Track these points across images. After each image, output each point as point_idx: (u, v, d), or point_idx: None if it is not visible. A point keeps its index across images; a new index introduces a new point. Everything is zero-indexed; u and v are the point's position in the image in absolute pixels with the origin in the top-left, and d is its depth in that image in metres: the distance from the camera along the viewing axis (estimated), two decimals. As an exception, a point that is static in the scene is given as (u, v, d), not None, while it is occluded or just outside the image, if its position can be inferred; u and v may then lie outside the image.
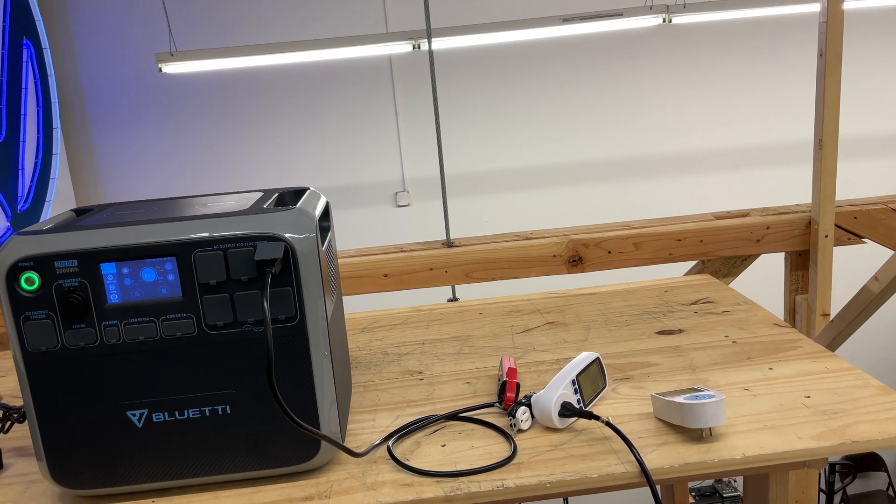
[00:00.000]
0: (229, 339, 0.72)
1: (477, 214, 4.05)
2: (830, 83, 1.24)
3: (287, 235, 0.71)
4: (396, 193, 4.06)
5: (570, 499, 4.17)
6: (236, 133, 3.88)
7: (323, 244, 0.78)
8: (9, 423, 0.83)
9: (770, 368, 0.95)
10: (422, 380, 1.00)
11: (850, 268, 3.16)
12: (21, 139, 3.41)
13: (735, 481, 4.53)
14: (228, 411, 0.74)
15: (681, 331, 1.10)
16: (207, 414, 0.74)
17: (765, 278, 2.64)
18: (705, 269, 1.37)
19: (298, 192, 0.86)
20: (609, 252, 1.31)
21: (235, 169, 3.92)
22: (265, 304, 0.67)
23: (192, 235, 0.70)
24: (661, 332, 1.10)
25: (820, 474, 4.44)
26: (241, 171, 3.92)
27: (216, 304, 0.71)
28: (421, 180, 4.04)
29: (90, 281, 0.70)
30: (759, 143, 4.01)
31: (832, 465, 4.39)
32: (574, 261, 1.31)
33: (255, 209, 0.75)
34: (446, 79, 3.89)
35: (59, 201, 3.72)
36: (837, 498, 4.48)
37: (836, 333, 1.29)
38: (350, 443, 0.84)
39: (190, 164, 3.91)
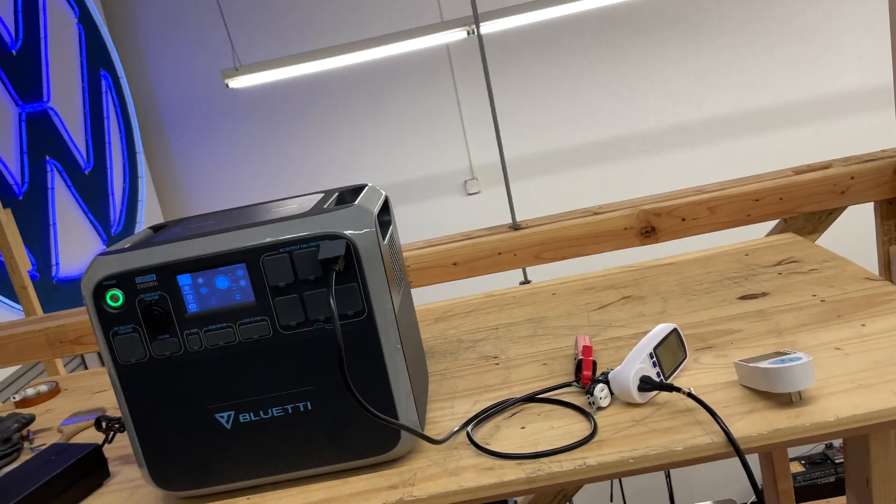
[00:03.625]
0: (303, 337, 0.75)
1: (548, 195, 4.01)
2: (908, 17, 1.15)
3: (347, 233, 0.72)
4: (466, 182, 4.06)
5: (672, 472, 4.09)
6: (307, 138, 3.98)
7: (384, 238, 0.79)
8: (112, 433, 0.88)
9: (862, 325, 0.90)
10: (498, 364, 1.00)
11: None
12: (108, 166, 3.60)
13: (846, 447, 4.32)
14: (310, 407, 0.76)
15: (764, 294, 1.05)
16: (290, 411, 0.76)
17: (856, 231, 2.49)
18: (788, 228, 1.31)
19: (357, 190, 0.88)
20: (683, 219, 1.27)
21: (309, 172, 4.01)
22: (332, 301, 0.68)
23: (259, 241, 0.72)
24: (743, 297, 1.06)
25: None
26: (314, 173, 4.01)
27: (287, 305, 0.73)
28: (489, 166, 4.03)
29: (169, 293, 0.73)
30: (835, 91, 3.78)
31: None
32: (647, 232, 1.27)
33: (316, 210, 0.76)
34: (504, 61, 3.85)
35: (150, 220, 3.92)
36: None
37: (938, 283, 1.21)
38: (430, 430, 0.85)
39: (265, 172, 4.03)
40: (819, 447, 4.08)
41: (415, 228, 4.08)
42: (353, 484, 0.78)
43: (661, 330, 0.87)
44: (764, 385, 0.77)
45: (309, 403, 0.76)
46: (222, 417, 0.76)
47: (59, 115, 3.26)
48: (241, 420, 0.76)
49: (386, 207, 0.89)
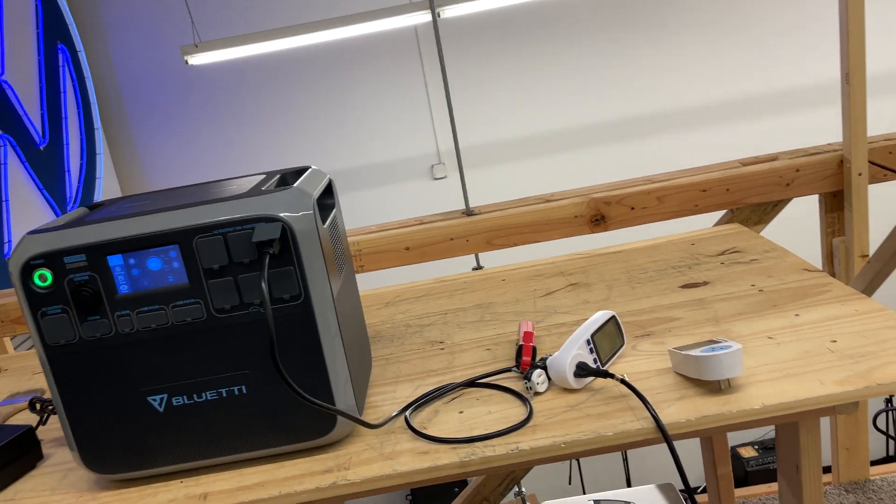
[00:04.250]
0: (238, 321, 0.74)
1: (511, 182, 4.02)
2: (853, 12, 1.17)
3: (283, 215, 0.71)
4: (433, 166, 4.05)
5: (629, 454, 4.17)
6: (271, 118, 3.93)
7: (325, 222, 0.79)
8: (45, 415, 0.87)
9: (796, 315, 0.92)
10: (443, 349, 1.01)
11: (894, 206, 3.03)
12: (64, 142, 3.52)
13: (798, 432, 4.43)
14: (244, 391, 0.76)
15: (706, 283, 1.07)
16: (224, 395, 0.76)
17: (803, 223, 2.54)
18: (735, 218, 1.33)
19: (300, 172, 0.87)
20: (632, 208, 1.28)
21: (272, 152, 3.97)
22: (263, 283, 0.68)
23: (192, 223, 0.71)
24: (685, 286, 1.07)
25: (887, 419, 4.31)
26: (277, 153, 3.97)
27: (221, 288, 0.73)
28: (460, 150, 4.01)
29: (100, 274, 0.72)
30: (786, 86, 3.85)
31: (900, 410, 4.26)
32: (597, 220, 1.28)
33: (254, 192, 0.75)
34: (472, 46, 3.84)
35: (108, 198, 3.83)
36: (908, 443, 4.34)
37: (874, 274, 1.24)
38: (370, 415, 0.86)
39: (227, 151, 3.98)
40: (772, 432, 4.19)
41: (380, 212, 4.06)
42: (288, 468, 0.78)
43: (599, 317, 0.88)
44: (695, 372, 0.78)
45: (244, 387, 0.76)
46: (155, 400, 0.75)
47: (14, 89, 3.17)
48: (175, 403, 0.76)
49: (329, 190, 0.88)
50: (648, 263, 1.19)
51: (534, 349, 0.89)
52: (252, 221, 0.71)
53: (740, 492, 1.65)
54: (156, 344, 0.74)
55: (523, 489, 1.53)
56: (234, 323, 0.74)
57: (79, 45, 3.70)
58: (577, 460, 4.25)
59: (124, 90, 3.96)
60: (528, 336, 0.90)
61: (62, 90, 3.59)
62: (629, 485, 4.22)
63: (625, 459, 4.20)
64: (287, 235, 0.72)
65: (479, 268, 1.44)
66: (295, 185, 0.76)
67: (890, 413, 4.29)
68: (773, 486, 1.69)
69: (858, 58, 1.16)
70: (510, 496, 1.70)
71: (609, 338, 0.87)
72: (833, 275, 1.34)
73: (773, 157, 1.32)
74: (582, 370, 0.82)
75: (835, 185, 1.27)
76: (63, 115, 3.56)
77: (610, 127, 3.95)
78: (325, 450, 0.80)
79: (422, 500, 3.96)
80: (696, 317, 0.96)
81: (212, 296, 0.73)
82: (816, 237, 1.44)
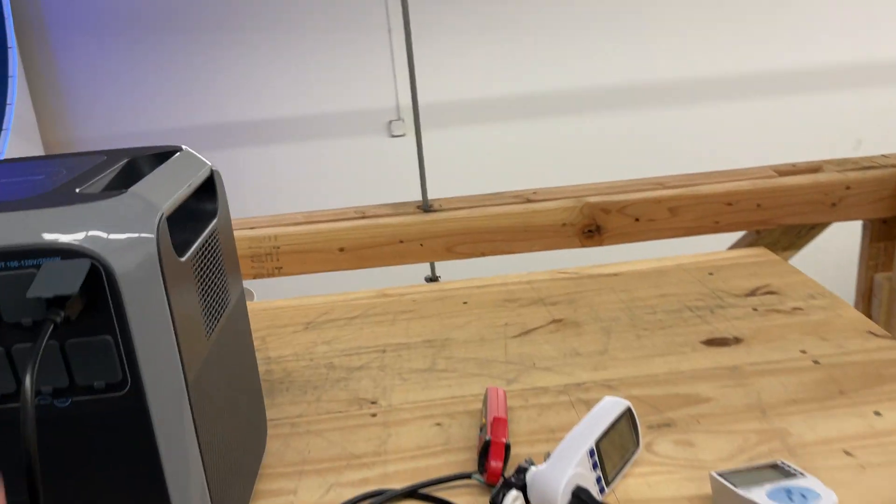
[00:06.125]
0: (14, 418, 0.43)
1: (476, 147, 3.69)
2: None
3: (92, 249, 0.40)
4: (391, 122, 3.69)
5: None
6: (216, 55, 3.50)
7: (185, 251, 0.47)
8: None
9: (877, 413, 0.65)
10: (375, 415, 0.71)
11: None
12: (-33, 60, 3.05)
13: None
14: (29, 527, 0.45)
15: (737, 340, 0.80)
16: (-7, 533, 0.45)
17: (832, 247, 2.26)
18: (761, 241, 1.06)
19: (162, 157, 0.55)
20: (637, 220, 1.00)
21: (215, 97, 3.55)
22: (29, 376, 0.37)
23: (-75, 249, 0.39)
24: (709, 342, 0.80)
25: None
26: (222, 98, 3.56)
27: (-20, 367, 0.41)
28: (419, 107, 3.67)
29: None
30: (845, 60, 3.52)
31: None
32: (590, 231, 1.00)
33: (58, 195, 0.44)
34: (444, -7, 3.46)
35: (21, 128, 3.39)
36: None
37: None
38: (253, 536, 0.56)
39: (164, 88, 3.55)
40: None
41: (326, 169, 3.70)
42: None
43: (607, 409, 0.59)
44: (757, 527, 0.51)
45: (26, 522, 0.45)
46: None
47: None
48: None
49: (208, 189, 0.56)
50: (655, 298, 0.91)
51: (507, 448, 0.60)
52: (36, 255, 0.40)
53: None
54: None
55: None
56: (9, 421, 0.43)
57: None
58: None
59: (48, 6, 3.47)
60: (498, 424, 0.61)
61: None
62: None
63: None
64: (102, 283, 0.40)
65: (434, 279, 1.14)
66: (131, 188, 0.44)
67: None
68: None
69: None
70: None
71: (620, 442, 0.59)
72: (869, 316, 1.09)
73: (817, 167, 1.04)
74: (581, 501, 0.53)
75: (889, 209, 1.01)
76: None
77: (610, 94, 3.65)
78: None
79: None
80: (732, 398, 0.69)
81: (-37, 377, 0.41)
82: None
